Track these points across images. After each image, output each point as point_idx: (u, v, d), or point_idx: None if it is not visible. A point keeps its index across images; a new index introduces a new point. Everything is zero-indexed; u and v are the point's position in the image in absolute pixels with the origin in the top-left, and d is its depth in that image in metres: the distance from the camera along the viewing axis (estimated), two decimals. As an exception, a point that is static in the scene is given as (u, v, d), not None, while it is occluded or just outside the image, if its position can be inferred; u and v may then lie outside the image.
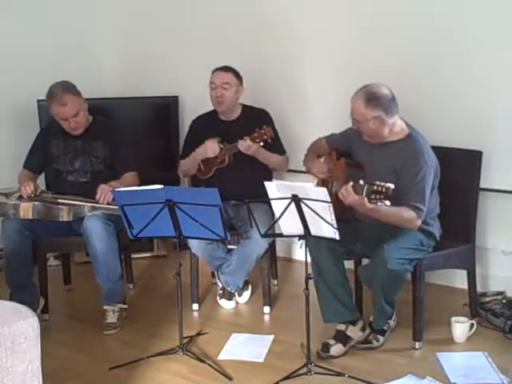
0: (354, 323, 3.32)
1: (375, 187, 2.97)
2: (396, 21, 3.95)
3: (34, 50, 4.69)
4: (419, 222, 3.18)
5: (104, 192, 3.61)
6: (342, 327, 3.31)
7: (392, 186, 2.94)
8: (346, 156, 3.47)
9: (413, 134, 3.27)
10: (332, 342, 3.27)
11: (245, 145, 3.68)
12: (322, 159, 3.62)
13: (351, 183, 3.03)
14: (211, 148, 3.81)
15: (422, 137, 3.29)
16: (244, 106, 4.00)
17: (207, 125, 3.97)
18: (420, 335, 3.32)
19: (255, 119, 3.88)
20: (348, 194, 3.02)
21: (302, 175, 4.16)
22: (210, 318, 3.81)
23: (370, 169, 3.30)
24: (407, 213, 3.14)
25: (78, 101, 3.73)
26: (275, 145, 3.86)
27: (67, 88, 3.72)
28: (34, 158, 3.93)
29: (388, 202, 2.98)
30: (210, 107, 4.01)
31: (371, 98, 3.17)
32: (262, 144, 3.69)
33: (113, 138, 3.84)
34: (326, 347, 3.25)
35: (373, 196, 3.01)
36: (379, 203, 3.00)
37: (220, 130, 3.91)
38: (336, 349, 3.25)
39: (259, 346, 3.40)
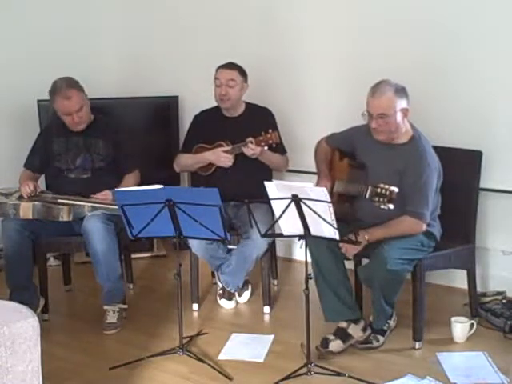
0: (355, 322, 3.32)
1: (379, 190, 2.98)
2: (397, 21, 3.95)
3: (34, 49, 4.69)
4: (424, 226, 3.21)
5: (106, 197, 3.62)
6: (343, 324, 3.31)
7: (396, 189, 2.95)
8: (349, 156, 3.46)
9: (416, 136, 3.28)
10: (332, 337, 3.27)
11: (250, 152, 3.69)
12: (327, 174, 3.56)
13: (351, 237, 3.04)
14: (225, 161, 3.77)
15: (425, 138, 3.30)
16: (247, 104, 4.00)
17: (210, 120, 3.97)
18: (420, 335, 3.32)
19: (258, 117, 3.90)
20: (350, 249, 3.16)
21: (302, 175, 4.17)
22: (209, 318, 3.80)
23: (374, 170, 3.30)
24: (406, 223, 3.19)
25: (82, 96, 3.76)
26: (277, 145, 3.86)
27: (71, 83, 3.74)
28: (35, 158, 3.93)
29: (391, 206, 2.99)
30: (209, 107, 4.02)
31: (398, 88, 3.19)
32: (266, 148, 3.69)
33: (114, 136, 3.85)
34: (325, 342, 3.24)
35: (376, 198, 3.01)
36: (382, 206, 3.00)
37: (223, 126, 3.91)
38: (335, 345, 3.24)
39: (259, 346, 3.40)
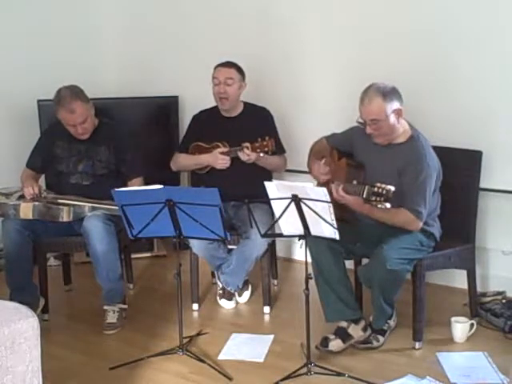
0: (356, 322, 3.32)
1: (376, 189, 2.98)
2: (396, 21, 3.95)
3: (34, 50, 4.68)
4: (420, 225, 3.19)
5: None
6: (343, 324, 3.31)
7: (393, 188, 2.95)
8: (347, 156, 3.47)
9: (415, 135, 3.27)
10: (332, 336, 3.27)
11: (245, 157, 3.69)
12: (323, 161, 3.60)
13: (341, 186, 3.08)
14: (222, 164, 3.78)
15: (424, 138, 3.29)
16: (246, 104, 4.00)
17: (209, 120, 3.97)
18: (420, 335, 3.32)
19: (257, 117, 3.91)
20: (341, 197, 3.10)
21: (302, 175, 4.17)
22: (210, 317, 3.81)
23: (372, 169, 3.30)
24: (404, 216, 3.17)
25: (86, 107, 3.69)
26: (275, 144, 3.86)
27: (76, 94, 3.66)
28: (37, 158, 3.91)
29: (388, 205, 2.99)
30: (209, 107, 4.02)
31: (386, 92, 3.17)
32: (261, 155, 3.69)
33: (118, 142, 3.81)
34: (325, 341, 3.25)
35: (373, 198, 3.01)
36: (379, 205, 3.00)
37: (222, 126, 3.92)
38: (335, 344, 3.25)
39: (259, 346, 3.40)
